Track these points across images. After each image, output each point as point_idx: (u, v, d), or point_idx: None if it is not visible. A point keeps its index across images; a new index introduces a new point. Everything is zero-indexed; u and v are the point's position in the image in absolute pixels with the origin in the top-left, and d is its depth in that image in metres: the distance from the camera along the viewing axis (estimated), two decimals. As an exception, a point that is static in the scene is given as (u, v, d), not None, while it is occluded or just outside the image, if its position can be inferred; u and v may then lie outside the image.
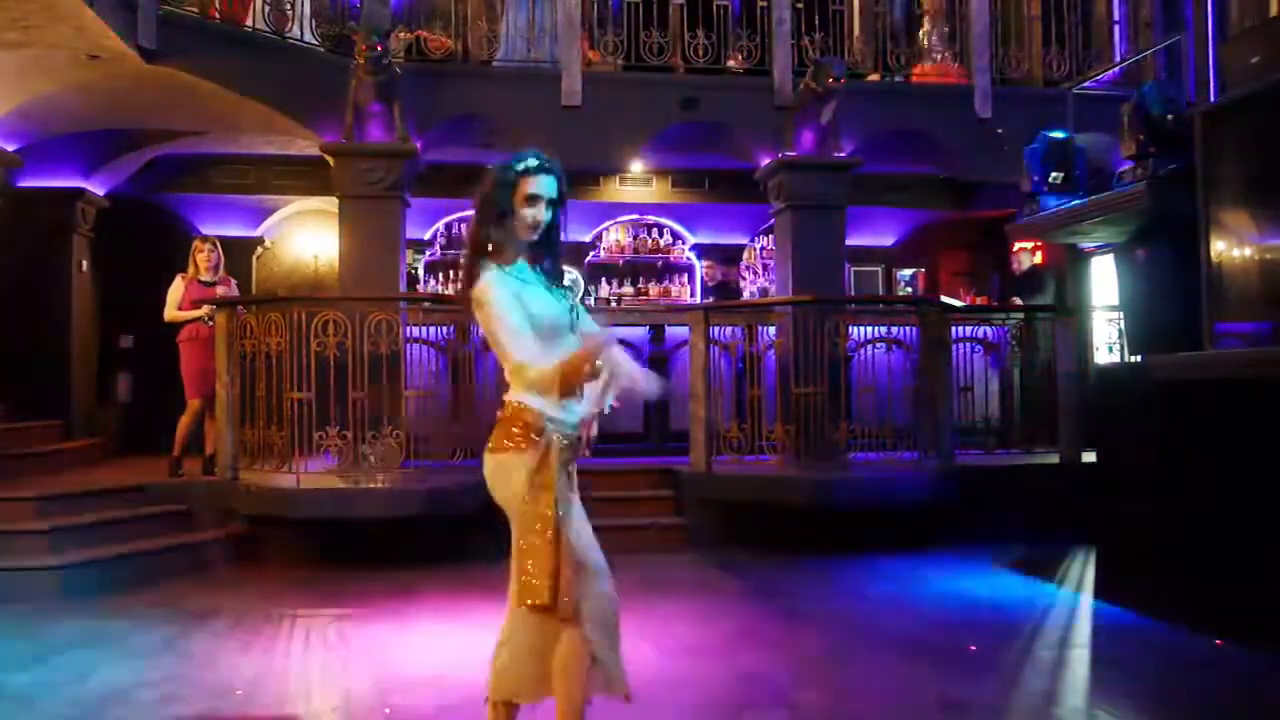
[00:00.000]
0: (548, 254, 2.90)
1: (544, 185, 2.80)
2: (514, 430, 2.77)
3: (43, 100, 7.50)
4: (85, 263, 9.53)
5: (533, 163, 2.83)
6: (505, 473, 2.82)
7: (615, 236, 12.02)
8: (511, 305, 2.67)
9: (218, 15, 8.08)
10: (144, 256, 9.84)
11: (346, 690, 4.32)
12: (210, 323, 7.31)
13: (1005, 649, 4.79)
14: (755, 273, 12.31)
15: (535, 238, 2.81)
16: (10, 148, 7.96)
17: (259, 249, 11.17)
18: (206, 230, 10.13)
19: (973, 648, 4.80)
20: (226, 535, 6.97)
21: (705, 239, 11.94)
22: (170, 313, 7.48)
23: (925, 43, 9.69)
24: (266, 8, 8.16)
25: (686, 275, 12.10)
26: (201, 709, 4.01)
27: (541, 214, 2.78)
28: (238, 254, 10.24)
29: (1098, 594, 5.90)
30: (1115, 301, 8.45)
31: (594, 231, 11.88)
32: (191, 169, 10.15)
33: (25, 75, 7.11)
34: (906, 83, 9.45)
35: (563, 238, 2.93)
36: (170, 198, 10.41)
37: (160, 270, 8.16)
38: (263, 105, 7.94)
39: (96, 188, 9.44)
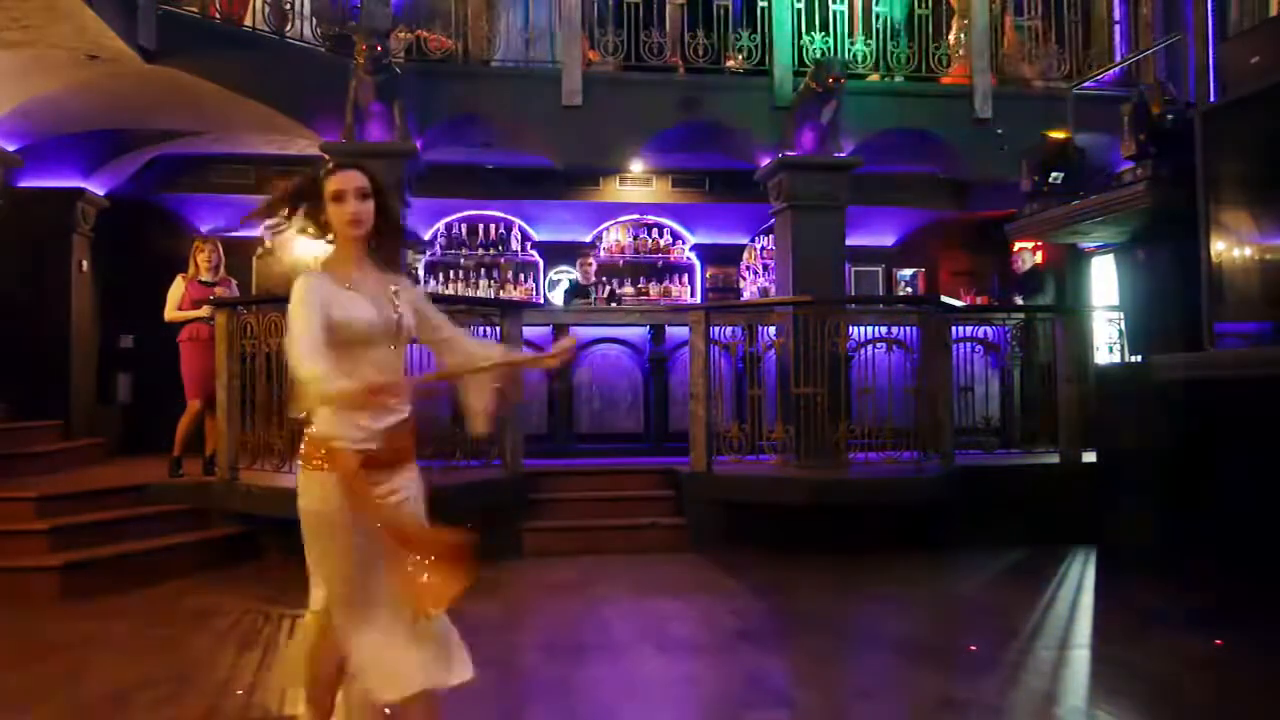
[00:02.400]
0: (387, 247, 2.84)
1: (347, 179, 2.72)
2: (306, 447, 2.74)
3: (43, 100, 7.49)
4: (85, 263, 9.53)
5: (330, 164, 2.81)
6: (301, 489, 2.79)
7: (615, 236, 12.02)
8: (308, 316, 2.59)
9: (217, 15, 8.08)
10: (144, 256, 9.84)
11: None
12: (211, 322, 7.30)
13: (1006, 649, 4.79)
14: (755, 273, 12.30)
15: (360, 232, 2.73)
16: (11, 147, 7.96)
17: (259, 249, 11.16)
18: (206, 230, 10.13)
19: (973, 647, 4.81)
20: (226, 535, 6.97)
21: (705, 239, 11.94)
22: (170, 313, 7.47)
23: (956, 43, 9.65)
24: (266, 7, 8.16)
25: (687, 275, 12.09)
26: (202, 709, 4.01)
27: (350, 207, 2.70)
28: (238, 254, 10.24)
29: (1098, 594, 5.91)
30: (1115, 301, 8.44)
31: (594, 231, 11.88)
32: (191, 169, 10.14)
33: (26, 75, 7.11)
34: (909, 81, 9.44)
35: (400, 232, 2.90)
36: (170, 197, 10.41)
37: (160, 270, 8.15)
38: (263, 105, 7.94)
39: (97, 187, 9.44)
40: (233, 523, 7.02)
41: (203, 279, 7.57)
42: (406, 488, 2.80)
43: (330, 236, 2.79)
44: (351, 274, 2.74)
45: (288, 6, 8.21)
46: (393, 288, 2.76)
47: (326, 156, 2.84)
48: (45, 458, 8.02)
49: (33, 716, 3.93)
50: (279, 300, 7.96)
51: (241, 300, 7.76)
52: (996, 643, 4.88)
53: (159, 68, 7.17)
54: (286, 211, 2.80)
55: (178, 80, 7.41)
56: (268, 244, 11.22)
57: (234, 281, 7.95)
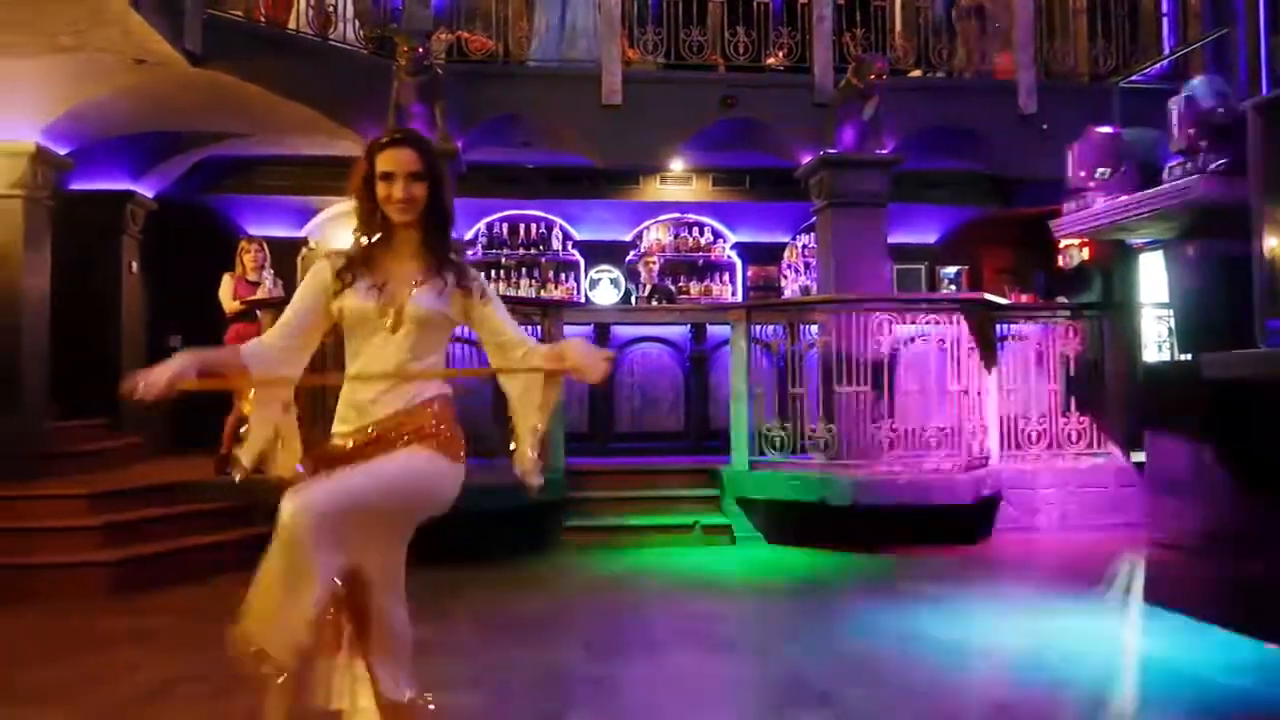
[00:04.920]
0: (433, 236, 2.69)
1: (399, 159, 2.60)
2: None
3: (92, 104, 7.62)
4: (135, 264, 9.69)
5: (385, 138, 2.66)
6: None
7: (655, 235, 12.02)
8: (297, 294, 2.68)
9: (262, 19, 8.18)
10: (191, 257, 9.98)
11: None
12: (256, 322, 7.40)
13: (1051, 650, 4.73)
14: (797, 271, 12.25)
15: (408, 217, 2.62)
16: (62, 151, 8.10)
17: (303, 249, 11.29)
18: (252, 231, 10.27)
19: (1021, 651, 4.74)
20: (266, 535, 7.04)
21: (746, 237, 11.91)
22: (230, 305, 7.61)
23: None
24: (309, 10, 8.25)
25: (727, 274, 12.07)
26: (249, 702, 4.06)
27: (398, 190, 2.58)
28: (282, 254, 10.36)
29: (1146, 595, 5.80)
30: (1164, 298, 8.30)
31: (634, 231, 11.89)
32: (237, 171, 10.28)
33: (75, 80, 7.24)
34: (956, 78, 9.34)
35: (448, 221, 2.74)
36: (216, 199, 10.56)
37: (207, 271, 8.27)
38: (306, 107, 8.02)
39: (145, 190, 9.59)
40: (274, 523, 7.08)
41: (249, 278, 7.68)
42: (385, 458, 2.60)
43: (367, 222, 2.67)
44: (378, 256, 2.65)
45: (331, 9, 8.29)
46: (422, 276, 2.64)
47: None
48: (96, 455, 8.16)
49: (82, 708, 4.00)
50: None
51: (286, 299, 7.85)
52: (1042, 644, 4.82)
53: (204, 71, 7.26)
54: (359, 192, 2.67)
55: (223, 83, 7.50)
56: (312, 243, 11.36)
57: (279, 281, 8.05)
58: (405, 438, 2.59)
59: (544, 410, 2.69)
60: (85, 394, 8.71)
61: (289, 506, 2.43)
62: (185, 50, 7.00)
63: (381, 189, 2.60)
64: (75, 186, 8.89)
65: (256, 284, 7.67)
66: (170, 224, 10.09)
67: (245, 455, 2.68)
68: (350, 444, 2.62)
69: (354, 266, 2.64)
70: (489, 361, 2.84)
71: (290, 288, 9.88)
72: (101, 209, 9.28)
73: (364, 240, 2.67)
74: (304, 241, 11.27)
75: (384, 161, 2.59)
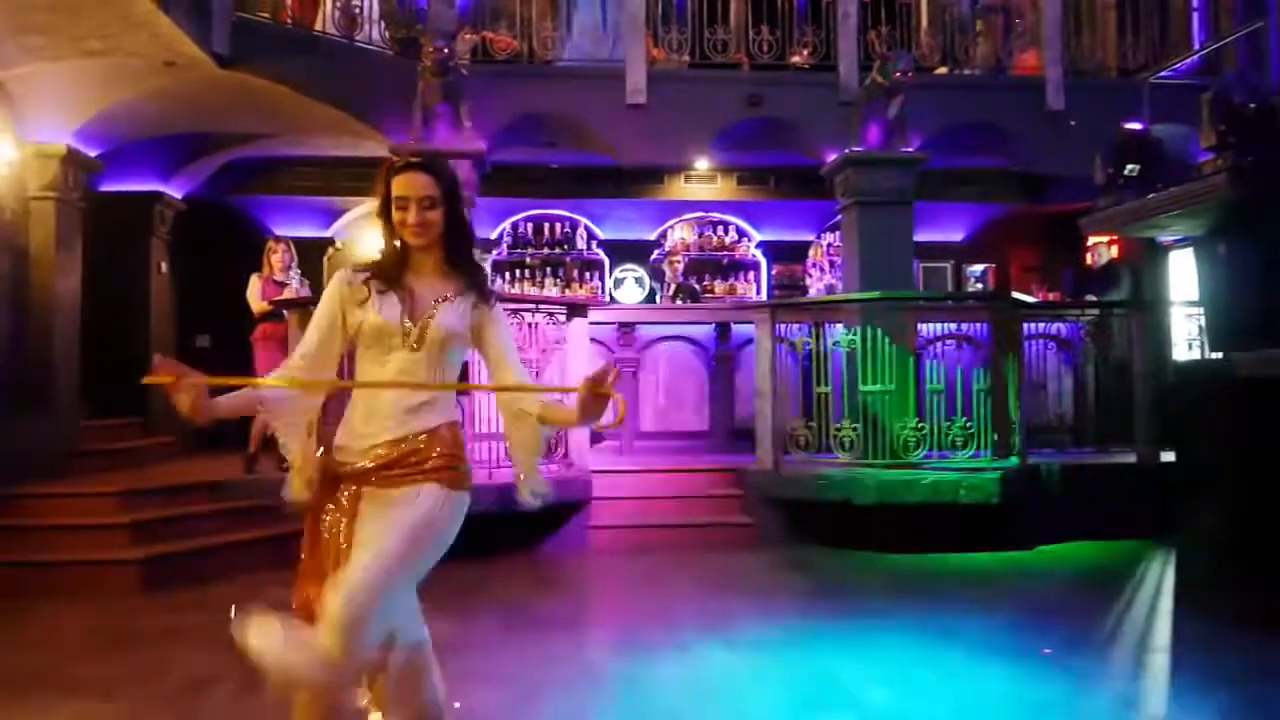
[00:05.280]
0: (455, 255, 2.68)
1: (412, 184, 2.58)
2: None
3: (122, 106, 7.71)
4: (163, 264, 9.79)
5: (400, 163, 2.64)
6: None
7: (680, 234, 12.02)
8: (315, 316, 2.65)
9: (289, 20, 8.23)
10: (219, 258, 10.07)
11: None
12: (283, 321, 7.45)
13: (1081, 652, 4.69)
14: (822, 269, 12.21)
15: (423, 241, 2.61)
16: (92, 153, 8.20)
17: (330, 249, 11.36)
18: (279, 231, 10.34)
19: (1047, 650, 4.71)
20: (299, 533, 7.09)
21: (771, 236, 11.88)
22: (258, 305, 7.66)
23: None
24: (336, 12, 8.30)
25: (752, 273, 12.05)
26: (278, 700, 4.09)
27: (412, 215, 2.57)
28: (309, 254, 10.43)
29: (1177, 597, 5.75)
30: (1195, 296, 8.20)
31: (659, 230, 11.89)
32: (264, 171, 10.36)
33: (106, 82, 7.32)
34: (982, 75, 9.27)
35: (468, 241, 2.72)
36: (244, 200, 10.65)
37: (235, 271, 8.34)
38: (333, 108, 8.08)
39: (174, 191, 9.69)
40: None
41: (276, 278, 7.73)
42: (385, 504, 2.56)
43: (388, 241, 2.68)
44: (398, 274, 2.64)
45: (357, 11, 8.34)
46: (444, 296, 2.63)
47: (393, 158, 2.63)
48: (125, 453, 8.25)
49: (116, 705, 4.04)
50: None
51: (312, 300, 7.90)
52: (1070, 645, 4.79)
53: (232, 73, 7.33)
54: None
55: (250, 85, 7.57)
56: (339, 244, 11.44)
57: (305, 281, 8.11)
58: (419, 467, 2.56)
59: (531, 450, 2.68)
60: (115, 393, 8.79)
61: (336, 600, 2.38)
62: (213, 52, 7.07)
63: (396, 214, 2.60)
64: (105, 188, 8.99)
65: (283, 284, 7.72)
66: (198, 224, 10.18)
67: (296, 483, 2.71)
68: (361, 464, 2.59)
69: (378, 279, 2.63)
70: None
71: (317, 288, 9.94)
72: (131, 210, 9.38)
73: (387, 256, 2.66)
74: (330, 242, 11.35)
75: (398, 187, 2.59)
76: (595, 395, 2.36)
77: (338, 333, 2.63)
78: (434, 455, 2.58)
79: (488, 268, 11.57)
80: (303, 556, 2.72)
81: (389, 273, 2.64)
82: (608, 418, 2.41)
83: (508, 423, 2.69)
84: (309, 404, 2.64)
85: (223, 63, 7.21)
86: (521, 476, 2.71)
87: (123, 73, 7.19)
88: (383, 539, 2.47)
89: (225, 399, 2.51)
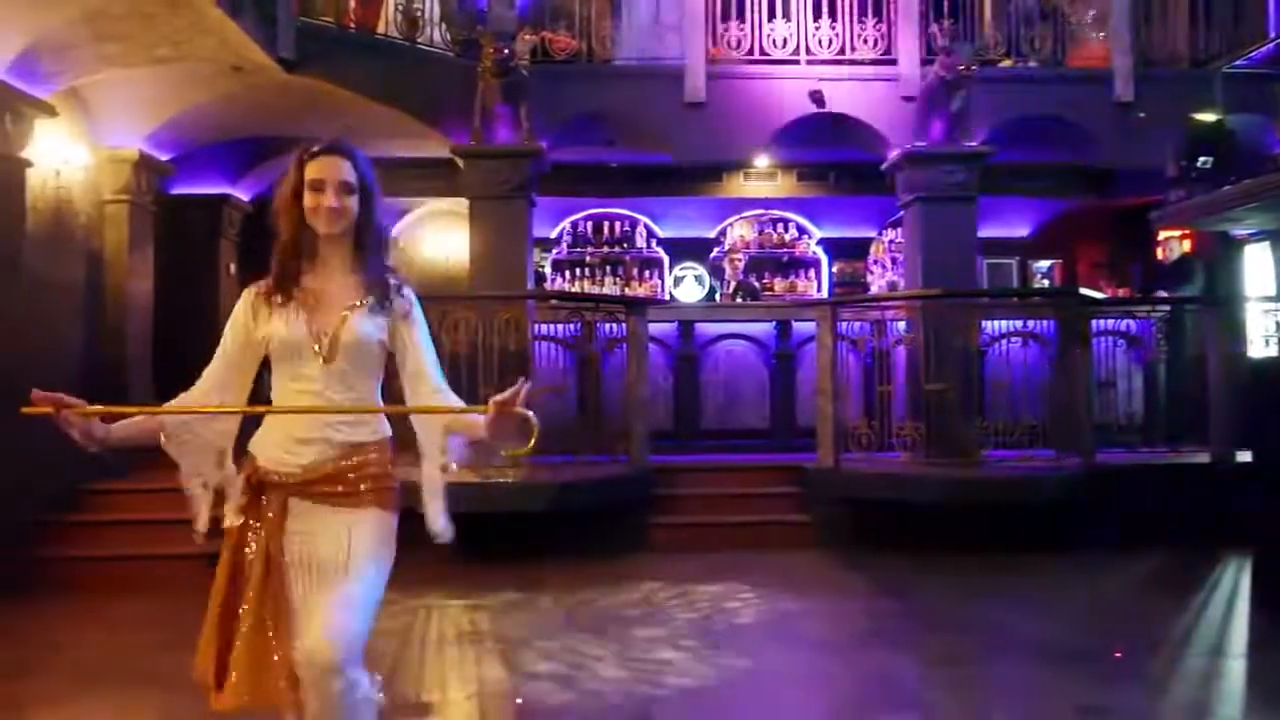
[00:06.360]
0: (366, 253, 2.47)
1: (329, 167, 2.40)
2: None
3: (192, 111, 7.88)
4: (232, 265, 9.99)
5: (316, 147, 2.45)
6: None
7: (740, 232, 11.96)
8: (226, 334, 2.47)
9: (352, 24, 8.36)
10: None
11: (480, 678, 4.42)
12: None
13: (1151, 656, 4.59)
14: (884, 266, 12.08)
15: (336, 229, 2.40)
16: (164, 157, 8.40)
17: (393, 250, 11.50)
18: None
19: (1118, 654, 4.60)
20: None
21: (831, 233, 11.78)
22: None
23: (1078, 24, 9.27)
24: (398, 15, 8.41)
25: (813, 270, 11.95)
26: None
27: (328, 198, 2.37)
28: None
29: (1254, 601, 5.59)
30: (1271, 291, 7.99)
31: (718, 227, 11.85)
32: (329, 174, 10.50)
33: (176, 88, 7.50)
34: (1049, 67, 9.09)
35: (382, 238, 2.53)
36: (309, 202, 10.81)
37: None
38: (394, 110, 8.18)
39: (241, 193, 9.89)
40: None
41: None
42: (323, 532, 2.38)
43: (291, 235, 2.45)
44: (297, 275, 2.44)
45: (418, 13, 8.44)
46: (354, 302, 2.41)
47: (310, 145, 2.35)
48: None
49: (186, 698, 4.13)
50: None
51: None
52: (1141, 649, 4.68)
53: (297, 77, 7.46)
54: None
55: (314, 88, 7.69)
56: (401, 244, 11.59)
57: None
58: (355, 488, 2.40)
59: (445, 452, 2.45)
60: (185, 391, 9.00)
61: (305, 647, 2.25)
62: (279, 57, 7.21)
63: (310, 199, 2.39)
64: (176, 191, 9.21)
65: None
66: (265, 227, 10.32)
67: (198, 524, 2.47)
68: (288, 472, 2.40)
69: (280, 288, 2.43)
70: (407, 394, 2.52)
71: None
72: (200, 213, 9.59)
73: (289, 260, 2.45)
74: (394, 242, 11.49)
75: (314, 169, 2.40)
76: (503, 415, 2.21)
77: (248, 351, 2.45)
78: (368, 474, 2.42)
79: (548, 267, 11.63)
80: (214, 605, 2.44)
81: (289, 274, 2.44)
82: (517, 441, 2.25)
83: (417, 427, 2.47)
84: (220, 430, 2.47)
85: (288, 67, 7.34)
86: (429, 498, 2.47)
87: (192, 78, 7.36)
88: (337, 583, 2.32)
89: (120, 426, 2.35)
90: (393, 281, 2.49)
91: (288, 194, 2.44)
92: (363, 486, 2.41)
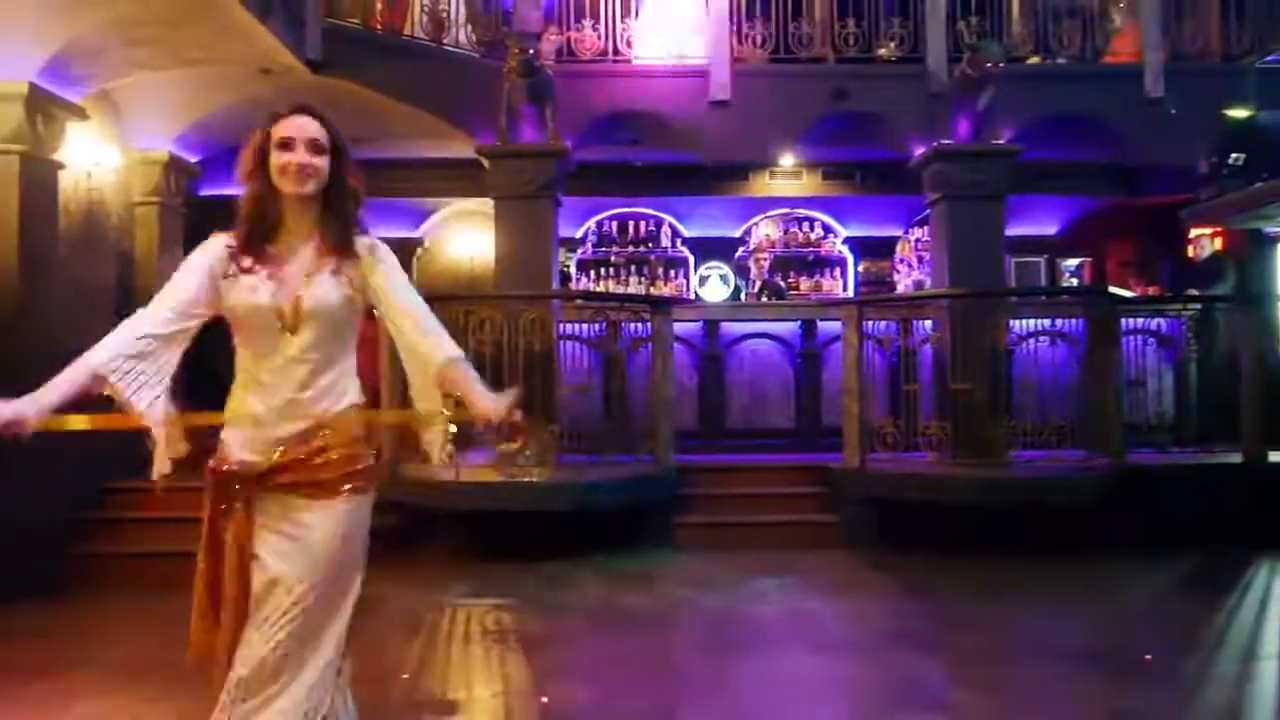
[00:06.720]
0: (333, 215, 2.40)
1: (299, 126, 2.35)
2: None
3: (220, 114, 7.95)
4: (260, 266, 10.06)
5: (286, 108, 2.40)
6: None
7: (765, 231, 11.93)
8: (180, 273, 2.36)
9: (379, 26, 8.41)
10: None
11: (505, 677, 4.43)
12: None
13: (1183, 660, 4.53)
14: (910, 265, 12.02)
15: (307, 187, 2.32)
16: (192, 159, 8.49)
17: (419, 250, 11.57)
18: (371, 232, 10.54)
19: (1148, 657, 4.56)
20: (392, 527, 7.22)
21: (857, 232, 11.74)
22: None
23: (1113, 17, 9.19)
24: (424, 16, 8.45)
25: (838, 269, 11.91)
26: (370, 691, 4.18)
27: (298, 155, 2.30)
28: (400, 255, 10.57)
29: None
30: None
31: (743, 226, 11.83)
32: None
33: (205, 90, 7.57)
34: (1077, 64, 9.00)
35: (353, 200, 2.44)
36: (336, 203, 10.87)
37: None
38: (421, 111, 8.23)
39: (270, 195, 9.96)
40: (397, 515, 7.27)
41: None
42: (301, 528, 2.31)
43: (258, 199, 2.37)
44: (270, 246, 2.36)
45: (444, 15, 8.47)
46: (315, 267, 2.34)
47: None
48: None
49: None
50: (438, 299, 8.23)
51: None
52: (1172, 653, 4.63)
53: (324, 79, 7.51)
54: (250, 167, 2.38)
55: (342, 90, 7.74)
56: (427, 244, 11.64)
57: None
58: (322, 474, 2.31)
59: (434, 401, 2.41)
60: (215, 394, 9.09)
61: (237, 668, 2.23)
62: (307, 59, 7.27)
63: (278, 157, 2.31)
64: (205, 192, 9.28)
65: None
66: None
67: (159, 464, 2.34)
68: (255, 465, 2.31)
69: (244, 252, 2.34)
70: (394, 338, 2.45)
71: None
72: (229, 214, 9.60)
73: (255, 224, 2.36)
74: (419, 242, 11.55)
75: (283, 129, 2.34)
76: (490, 422, 2.23)
77: (206, 295, 2.35)
78: (337, 457, 2.33)
79: (573, 266, 11.64)
80: (201, 585, 2.44)
81: (255, 237, 2.35)
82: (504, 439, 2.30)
83: (407, 367, 2.45)
84: (166, 360, 2.35)
85: (315, 69, 7.40)
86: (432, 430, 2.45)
87: (221, 81, 7.43)
88: (303, 573, 2.28)
89: (50, 391, 2.16)
90: (363, 240, 2.42)
91: (252, 155, 2.36)
92: (330, 475, 2.32)
